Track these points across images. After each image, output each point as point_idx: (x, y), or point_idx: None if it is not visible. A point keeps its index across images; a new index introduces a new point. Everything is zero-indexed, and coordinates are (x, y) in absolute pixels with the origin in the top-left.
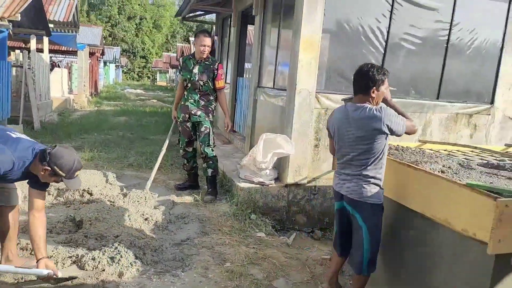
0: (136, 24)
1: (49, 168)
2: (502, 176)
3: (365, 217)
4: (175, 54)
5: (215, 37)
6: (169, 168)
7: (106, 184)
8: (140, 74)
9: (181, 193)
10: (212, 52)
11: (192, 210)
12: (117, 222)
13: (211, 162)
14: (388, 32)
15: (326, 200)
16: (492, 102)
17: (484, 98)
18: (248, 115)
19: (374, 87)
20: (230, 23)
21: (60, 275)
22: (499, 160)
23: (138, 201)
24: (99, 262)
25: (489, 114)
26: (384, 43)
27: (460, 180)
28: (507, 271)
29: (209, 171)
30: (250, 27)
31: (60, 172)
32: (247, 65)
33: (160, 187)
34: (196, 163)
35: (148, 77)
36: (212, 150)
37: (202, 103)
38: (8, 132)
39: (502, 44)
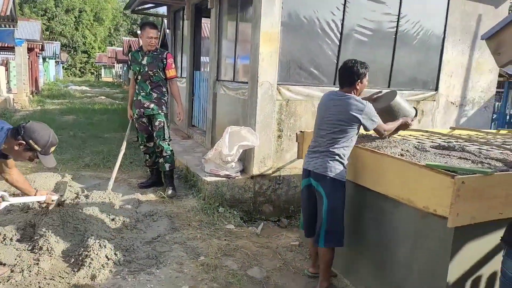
0: (75, 17)
1: (24, 142)
2: (454, 156)
3: (328, 191)
4: (121, 48)
5: (167, 30)
6: (128, 166)
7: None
8: (82, 70)
9: (145, 190)
10: (164, 46)
11: (159, 207)
12: (82, 224)
13: (167, 156)
14: (342, 25)
15: (291, 188)
16: (436, 89)
17: (429, 86)
18: (207, 109)
19: (359, 80)
20: (183, 16)
21: (55, 197)
22: (447, 142)
23: (102, 202)
24: (72, 266)
25: (434, 100)
26: (339, 35)
27: (419, 162)
28: (464, 242)
29: (167, 165)
30: (204, 20)
31: (36, 146)
32: (203, 59)
33: (123, 186)
34: (157, 160)
35: (92, 73)
36: (168, 144)
37: (155, 95)
38: None
39: (444, 35)
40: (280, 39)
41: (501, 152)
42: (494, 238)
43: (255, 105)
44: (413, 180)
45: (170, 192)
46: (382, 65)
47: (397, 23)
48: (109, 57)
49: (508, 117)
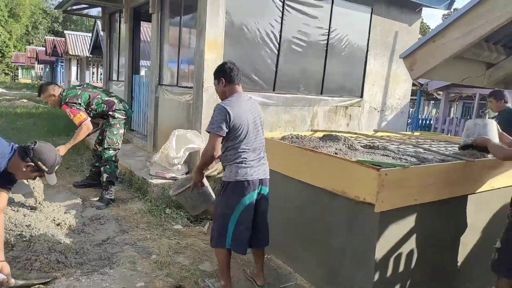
0: None
1: (33, 164)
2: (378, 153)
3: (268, 190)
4: (43, 48)
5: (101, 32)
6: (65, 171)
7: None
8: None
9: (88, 195)
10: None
11: (105, 211)
12: (28, 231)
13: (107, 166)
14: (280, 36)
15: None
16: (361, 96)
17: (355, 93)
18: (149, 113)
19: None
20: (120, 19)
21: (12, 282)
22: (372, 142)
23: (44, 207)
24: (19, 271)
25: (360, 106)
26: (277, 45)
27: (350, 158)
28: (388, 224)
29: (104, 176)
30: (144, 23)
31: (44, 167)
32: (143, 62)
33: (63, 191)
34: (100, 164)
35: (6, 74)
36: (112, 154)
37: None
38: None
39: (367, 48)
40: (224, 47)
41: (415, 150)
42: (410, 220)
43: (200, 109)
44: (346, 174)
45: (97, 203)
46: (315, 73)
47: (328, 36)
48: (28, 57)
49: (420, 121)
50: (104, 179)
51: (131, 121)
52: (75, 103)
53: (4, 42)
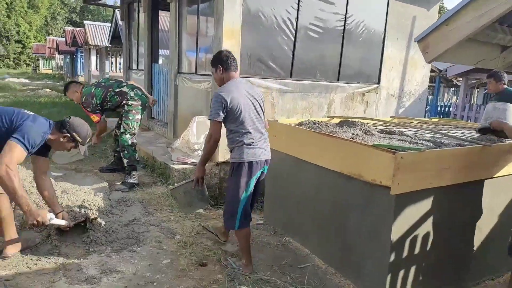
0: (7, 4)
1: (69, 135)
2: (394, 138)
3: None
4: (62, 39)
5: (120, 22)
6: (91, 158)
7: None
8: (16, 61)
9: (113, 180)
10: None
11: (130, 194)
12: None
13: (125, 151)
14: (296, 22)
15: None
16: (378, 82)
17: (372, 79)
18: (168, 101)
19: None
20: (138, 8)
21: (72, 223)
22: (389, 128)
23: (73, 191)
24: (55, 247)
25: (377, 93)
26: (294, 32)
27: (367, 143)
28: (404, 206)
29: (124, 161)
30: (161, 12)
31: (78, 138)
32: (161, 51)
33: (90, 176)
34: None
35: (27, 64)
36: (128, 139)
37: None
38: (24, 111)
39: (384, 33)
40: (241, 34)
41: (431, 135)
42: (426, 203)
43: None
44: (363, 158)
45: (120, 186)
46: (332, 59)
47: (344, 22)
48: (48, 48)
49: (439, 108)
50: (125, 164)
51: (151, 109)
52: (90, 103)
53: (25, 33)
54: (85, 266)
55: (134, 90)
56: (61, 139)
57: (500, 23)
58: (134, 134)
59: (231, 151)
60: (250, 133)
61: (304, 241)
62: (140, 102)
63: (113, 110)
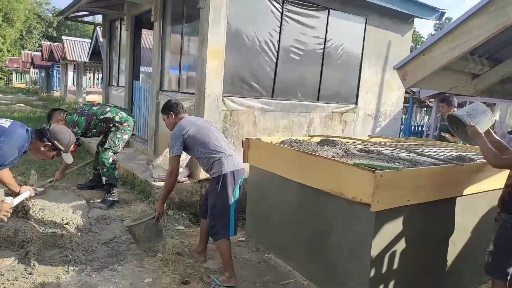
0: None
1: (50, 144)
2: (373, 157)
3: None
4: (38, 53)
5: (101, 38)
6: (69, 175)
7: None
8: None
9: (92, 197)
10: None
11: (110, 212)
12: (36, 229)
13: (105, 169)
14: (278, 45)
15: None
16: (356, 103)
17: (350, 100)
18: (149, 118)
19: None
20: (121, 26)
21: (36, 190)
22: (367, 147)
23: (51, 208)
24: (33, 267)
25: (355, 113)
26: (276, 54)
27: (347, 161)
28: (383, 223)
29: (103, 179)
30: (144, 31)
31: (60, 146)
32: (143, 69)
33: (68, 194)
34: None
35: (0, 78)
36: (109, 157)
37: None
38: (1, 124)
39: (362, 57)
40: (225, 55)
41: (407, 154)
42: (404, 220)
43: (202, 115)
44: (344, 176)
45: (98, 204)
46: (312, 80)
47: (324, 45)
48: (23, 62)
49: (412, 128)
50: (104, 182)
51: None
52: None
53: None
54: (64, 286)
55: (119, 114)
56: (42, 148)
57: (471, 53)
58: (117, 152)
59: (209, 170)
60: (222, 146)
61: (286, 258)
62: (127, 124)
63: (98, 136)
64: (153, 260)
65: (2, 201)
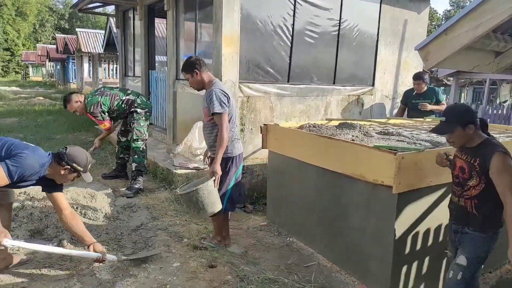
0: None
1: (69, 167)
2: (393, 139)
3: None
4: (53, 46)
5: (115, 29)
6: (92, 165)
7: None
8: (5, 69)
9: (117, 186)
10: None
11: (135, 200)
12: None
13: (136, 156)
14: (293, 28)
15: (254, 177)
16: (373, 84)
17: (367, 82)
18: (167, 107)
19: None
20: (134, 16)
21: (109, 258)
22: (386, 129)
23: (84, 197)
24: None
25: (372, 94)
26: (290, 38)
27: (367, 144)
28: (405, 204)
29: (133, 165)
30: (157, 20)
31: (79, 168)
32: (158, 58)
33: (93, 183)
34: (125, 154)
35: (17, 72)
36: (140, 145)
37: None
38: (25, 143)
39: (377, 37)
40: (240, 41)
41: (427, 135)
42: (426, 201)
43: None
44: (364, 159)
45: (125, 191)
46: (327, 63)
47: (339, 27)
48: (39, 55)
49: None
50: (133, 168)
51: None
52: (99, 112)
53: (13, 41)
54: (98, 271)
55: (140, 97)
56: (62, 172)
57: (494, 31)
58: (145, 140)
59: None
60: (234, 128)
61: (308, 241)
62: (146, 109)
63: (116, 119)
64: (179, 245)
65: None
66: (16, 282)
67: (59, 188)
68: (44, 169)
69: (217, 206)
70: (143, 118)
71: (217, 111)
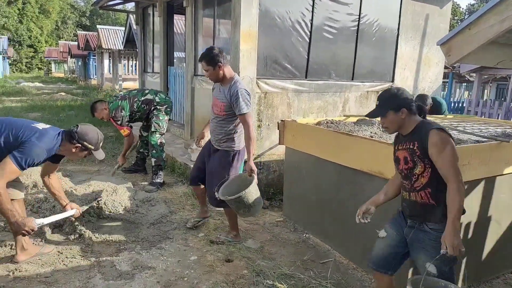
0: (19, 9)
1: (80, 145)
2: None
3: None
4: (75, 43)
5: (134, 26)
6: (111, 159)
7: None
8: (28, 65)
9: (136, 180)
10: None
11: (154, 194)
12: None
13: (154, 151)
14: (311, 24)
15: (270, 173)
16: (392, 80)
17: (386, 77)
18: (185, 103)
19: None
20: (153, 13)
21: (83, 208)
22: None
23: (106, 190)
24: (88, 246)
25: None
26: (309, 33)
27: (386, 141)
28: None
29: (152, 160)
30: (176, 16)
31: (90, 146)
32: (176, 54)
33: (115, 177)
34: (145, 149)
35: (39, 68)
36: (157, 139)
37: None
38: (33, 125)
39: (398, 32)
40: (257, 37)
41: None
42: None
43: None
44: (383, 156)
45: (148, 187)
46: (346, 59)
47: (358, 22)
48: (61, 52)
49: (452, 104)
50: (153, 163)
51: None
52: (120, 116)
53: (36, 38)
54: (118, 263)
55: (158, 95)
56: (74, 150)
57: None
58: (163, 134)
59: (225, 141)
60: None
61: (324, 238)
62: (166, 105)
63: (139, 120)
64: (196, 239)
65: (27, 218)
66: (39, 273)
67: (58, 161)
68: (53, 150)
69: (262, 201)
70: (163, 113)
71: (245, 112)
